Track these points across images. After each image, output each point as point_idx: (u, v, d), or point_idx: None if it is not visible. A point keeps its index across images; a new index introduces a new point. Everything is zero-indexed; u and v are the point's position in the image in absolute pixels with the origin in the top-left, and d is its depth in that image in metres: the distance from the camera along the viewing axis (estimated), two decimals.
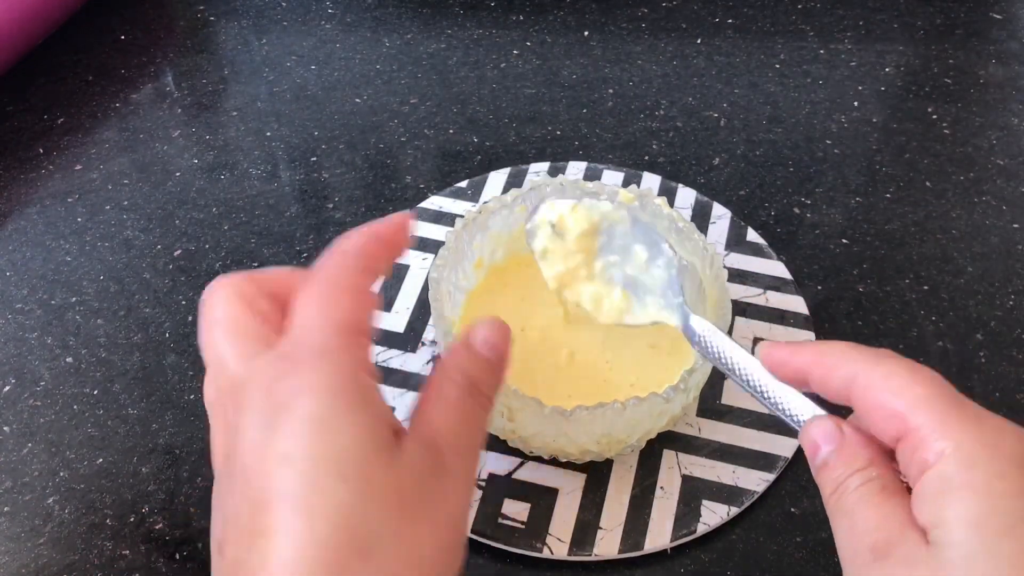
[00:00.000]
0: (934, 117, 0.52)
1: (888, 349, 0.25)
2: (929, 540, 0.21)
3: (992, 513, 0.21)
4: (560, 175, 0.46)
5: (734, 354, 0.29)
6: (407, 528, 0.22)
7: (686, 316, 0.32)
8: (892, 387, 0.24)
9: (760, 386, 0.28)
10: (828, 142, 0.50)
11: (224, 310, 0.26)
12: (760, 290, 0.42)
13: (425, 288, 0.42)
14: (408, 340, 0.41)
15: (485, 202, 0.39)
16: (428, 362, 0.40)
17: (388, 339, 0.41)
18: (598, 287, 0.36)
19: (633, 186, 0.39)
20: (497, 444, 0.36)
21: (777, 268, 0.43)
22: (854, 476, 0.24)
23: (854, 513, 0.23)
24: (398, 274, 0.43)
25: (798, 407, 0.27)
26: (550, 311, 0.39)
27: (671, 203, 0.46)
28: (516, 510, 0.35)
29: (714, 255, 0.36)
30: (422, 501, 0.23)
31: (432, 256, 0.43)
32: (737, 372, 0.29)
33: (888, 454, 0.24)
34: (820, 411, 0.26)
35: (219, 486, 0.24)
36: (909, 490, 0.23)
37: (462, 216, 0.46)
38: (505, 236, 0.40)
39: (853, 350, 0.25)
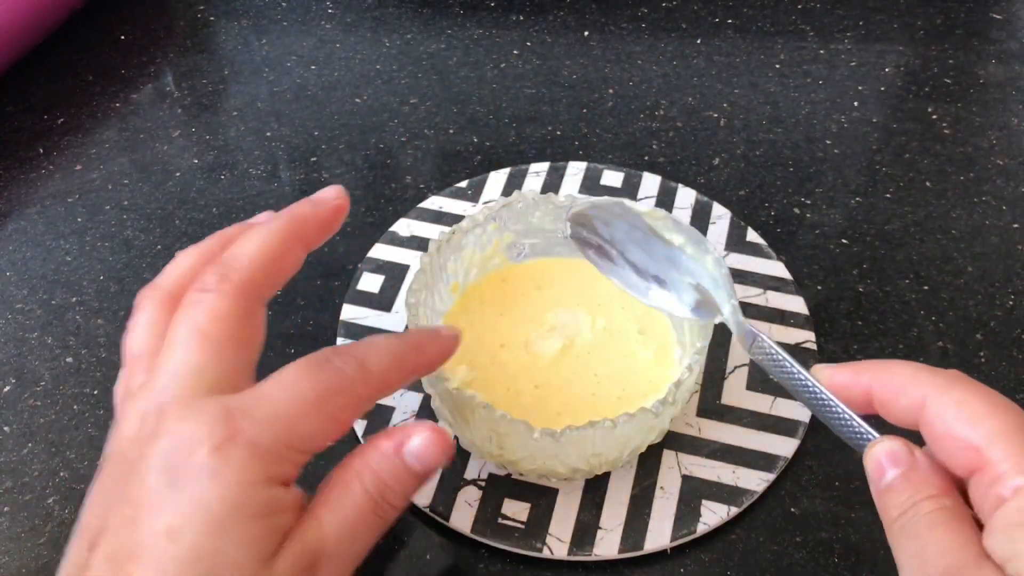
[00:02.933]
0: (934, 117, 0.52)
1: (957, 371, 0.24)
2: (1007, 573, 0.21)
3: None
4: (519, 190, 0.46)
5: (796, 365, 0.29)
6: None
7: (739, 322, 0.32)
8: (966, 416, 0.23)
9: (825, 400, 0.27)
10: (828, 142, 0.50)
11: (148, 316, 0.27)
12: (760, 290, 0.42)
13: None
14: None
15: (470, 213, 0.39)
16: None
17: None
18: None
19: (606, 197, 0.39)
20: None
21: (777, 268, 0.43)
22: (925, 501, 0.23)
23: (924, 536, 0.23)
24: (398, 274, 0.43)
25: (865, 425, 0.26)
26: (529, 326, 0.39)
27: (671, 203, 0.46)
28: (516, 510, 0.35)
29: (718, 260, 0.36)
30: None
31: None
32: (797, 380, 0.28)
33: (958, 485, 0.24)
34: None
35: (106, 479, 0.25)
36: (980, 526, 0.23)
37: (463, 216, 0.46)
38: (479, 256, 0.40)
39: (921, 372, 0.24)
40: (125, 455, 0.24)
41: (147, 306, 0.28)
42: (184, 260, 0.29)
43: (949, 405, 0.23)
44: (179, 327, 0.26)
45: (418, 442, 0.26)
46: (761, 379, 0.38)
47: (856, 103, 0.53)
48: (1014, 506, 0.21)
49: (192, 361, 0.25)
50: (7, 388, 0.41)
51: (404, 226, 0.45)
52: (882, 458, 0.24)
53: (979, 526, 0.22)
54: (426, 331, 0.30)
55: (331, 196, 0.30)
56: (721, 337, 0.40)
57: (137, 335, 0.28)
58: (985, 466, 0.22)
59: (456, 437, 0.35)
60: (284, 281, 0.29)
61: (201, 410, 0.24)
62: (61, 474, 0.37)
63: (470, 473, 0.36)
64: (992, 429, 0.22)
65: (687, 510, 0.35)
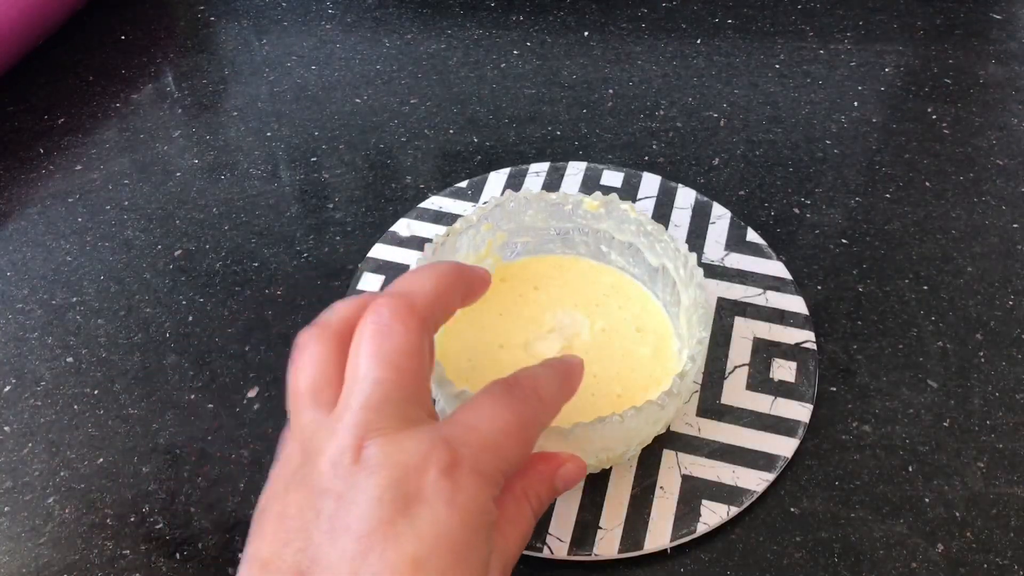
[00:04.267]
0: (934, 117, 0.52)
1: None
2: None
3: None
4: (511, 190, 0.46)
5: None
6: None
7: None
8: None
9: None
10: (828, 142, 0.50)
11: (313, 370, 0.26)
12: (760, 290, 0.42)
13: None
14: None
15: (463, 215, 0.39)
16: None
17: None
18: None
19: (597, 193, 0.39)
20: None
21: (777, 268, 0.43)
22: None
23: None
24: (398, 274, 0.43)
25: None
26: (528, 327, 0.39)
27: (671, 203, 0.46)
28: None
29: (687, 255, 0.36)
30: None
31: None
32: None
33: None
34: None
35: (295, 515, 0.23)
36: None
37: (461, 216, 0.46)
38: (473, 257, 0.40)
39: None
40: (326, 489, 0.23)
41: (313, 344, 0.27)
42: (343, 304, 0.28)
43: None
44: (365, 359, 0.25)
45: (569, 469, 0.29)
46: (761, 379, 0.38)
47: (856, 103, 0.53)
48: None
49: (387, 393, 0.25)
50: (7, 388, 0.41)
51: (404, 226, 0.45)
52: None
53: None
54: (563, 360, 0.31)
55: (482, 270, 0.32)
56: (721, 337, 0.40)
57: (306, 372, 0.26)
58: None
59: None
60: (445, 320, 0.29)
61: (414, 438, 0.24)
62: (61, 474, 0.37)
63: None
64: None
65: (687, 510, 0.35)
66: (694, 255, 0.36)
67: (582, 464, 0.30)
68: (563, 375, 0.29)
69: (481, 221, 0.39)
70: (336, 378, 0.26)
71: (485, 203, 0.39)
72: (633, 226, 0.38)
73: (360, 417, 0.24)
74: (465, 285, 0.30)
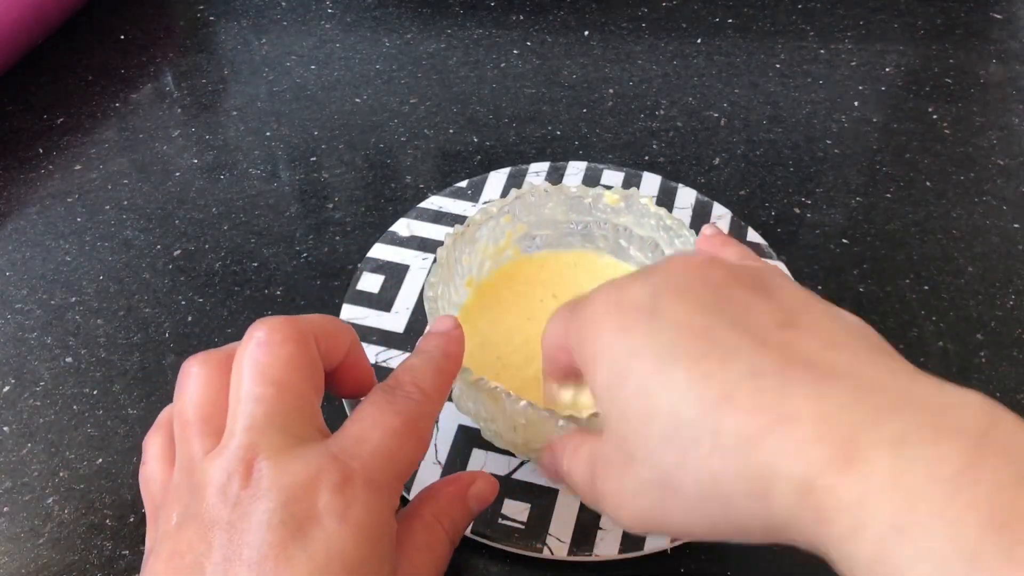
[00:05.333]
0: (934, 117, 0.52)
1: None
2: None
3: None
4: (523, 180, 0.46)
5: None
6: None
7: None
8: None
9: None
10: (828, 142, 0.50)
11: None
12: None
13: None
14: (408, 340, 0.41)
15: (483, 205, 0.39)
16: None
17: (387, 339, 0.40)
18: None
19: (618, 187, 0.39)
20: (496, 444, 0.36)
21: (778, 268, 0.43)
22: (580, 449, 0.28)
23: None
24: (398, 274, 0.43)
25: None
26: (546, 319, 0.39)
27: (671, 203, 0.46)
28: (516, 510, 0.35)
29: None
30: None
31: (432, 256, 0.43)
32: None
33: None
34: None
35: (187, 550, 0.23)
36: None
37: (463, 216, 0.46)
38: (492, 248, 0.40)
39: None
40: (215, 520, 0.22)
41: (197, 367, 0.26)
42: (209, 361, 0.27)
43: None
44: (247, 378, 0.25)
45: (480, 487, 0.29)
46: None
47: (856, 103, 0.53)
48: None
49: (271, 411, 0.24)
50: (6, 388, 0.41)
51: (404, 226, 0.45)
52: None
53: None
54: (435, 336, 0.30)
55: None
56: None
57: (192, 399, 0.25)
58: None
59: (479, 428, 0.36)
60: (333, 350, 0.28)
61: (302, 457, 0.23)
62: (60, 474, 0.37)
63: None
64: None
65: None
66: None
67: (493, 482, 0.30)
68: (439, 358, 0.28)
69: (501, 213, 0.39)
70: (222, 403, 0.25)
71: (506, 197, 0.40)
72: (653, 220, 0.38)
73: (245, 439, 0.23)
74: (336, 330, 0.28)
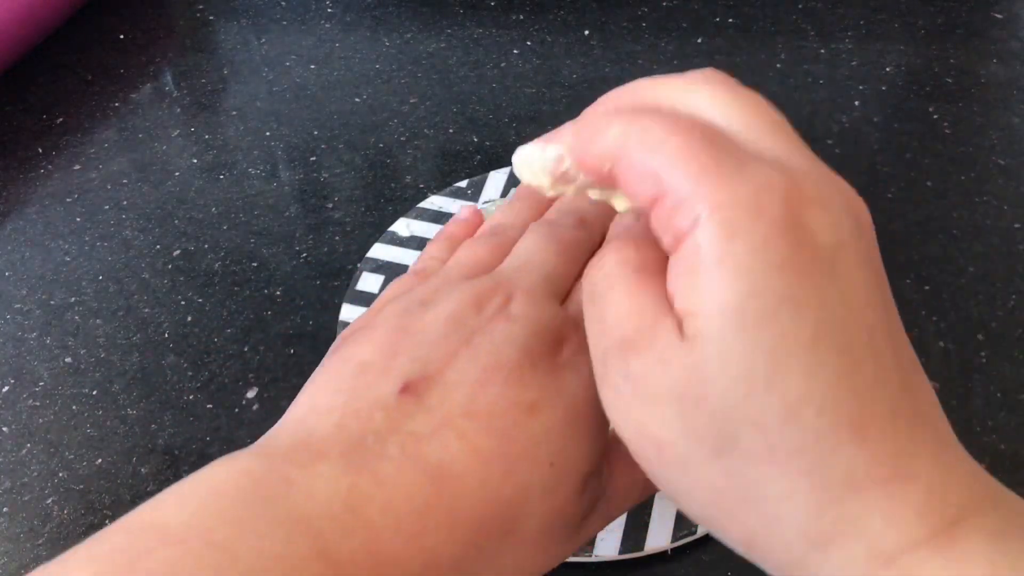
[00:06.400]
0: (935, 117, 0.52)
1: (662, 82, 0.21)
2: (683, 332, 0.18)
3: (751, 295, 0.17)
4: None
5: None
6: None
7: None
8: (648, 143, 0.19)
9: None
10: (829, 142, 0.50)
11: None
12: None
13: None
14: None
15: (483, 205, 0.39)
16: None
17: None
18: None
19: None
20: None
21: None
22: (607, 256, 0.20)
23: (604, 300, 0.20)
24: (397, 274, 0.43)
25: None
26: None
27: None
28: None
29: None
30: None
31: None
32: None
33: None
34: None
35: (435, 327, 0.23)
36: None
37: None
38: None
39: (617, 111, 0.21)
40: (462, 321, 0.23)
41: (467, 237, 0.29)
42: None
43: (634, 138, 0.19)
44: (537, 237, 0.26)
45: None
46: None
47: (857, 103, 0.53)
48: (691, 244, 0.17)
49: (548, 266, 0.25)
50: (6, 388, 0.40)
51: (404, 226, 0.45)
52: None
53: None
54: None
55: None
56: None
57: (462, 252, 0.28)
58: (663, 194, 0.18)
59: None
60: None
61: (554, 309, 0.24)
62: (60, 475, 0.37)
63: None
64: (672, 149, 0.18)
65: None
66: None
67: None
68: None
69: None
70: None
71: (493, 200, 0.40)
72: None
73: (516, 277, 0.24)
74: None
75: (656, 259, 0.20)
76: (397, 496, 0.20)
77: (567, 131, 0.22)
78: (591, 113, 0.22)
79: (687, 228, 0.18)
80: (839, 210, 0.19)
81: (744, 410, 0.17)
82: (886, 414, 0.17)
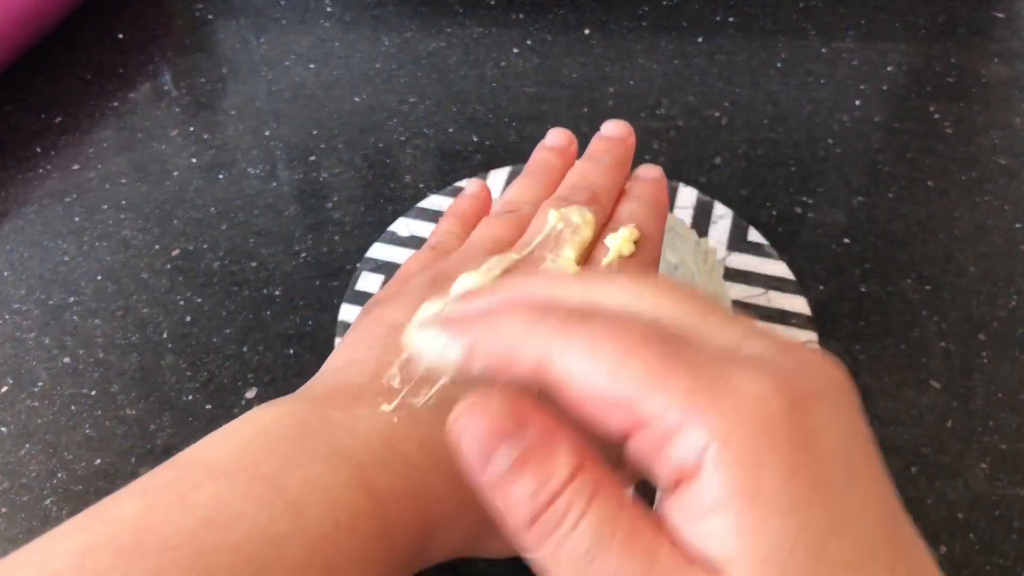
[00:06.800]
0: (936, 116, 0.52)
1: (598, 281, 0.18)
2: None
3: (801, 529, 0.15)
4: None
5: None
6: None
7: None
8: (603, 361, 0.16)
9: None
10: (830, 141, 0.50)
11: None
12: (762, 290, 0.42)
13: None
14: None
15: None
16: None
17: None
18: None
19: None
20: None
21: (779, 268, 0.43)
22: (566, 494, 0.16)
23: (592, 564, 0.16)
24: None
25: None
26: None
27: (672, 203, 0.46)
28: None
29: (707, 251, 0.36)
30: None
31: None
32: None
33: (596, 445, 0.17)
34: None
35: None
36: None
37: None
38: None
39: (534, 318, 0.17)
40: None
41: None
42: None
43: (578, 354, 0.16)
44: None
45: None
46: None
47: (858, 102, 0.52)
48: (709, 482, 0.15)
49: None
50: (4, 388, 0.40)
51: (403, 226, 0.45)
52: (478, 431, 0.16)
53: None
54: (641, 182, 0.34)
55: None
56: None
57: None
58: (643, 423, 0.16)
59: None
60: None
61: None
62: (59, 475, 0.37)
63: None
64: (640, 365, 0.16)
65: None
66: (715, 250, 0.36)
67: None
68: (651, 201, 0.33)
69: None
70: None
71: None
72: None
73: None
74: None
75: (617, 486, 0.16)
76: (433, 435, 0.21)
77: (471, 325, 0.18)
78: (498, 309, 0.18)
79: (692, 463, 0.15)
80: (831, 392, 0.17)
81: None
82: None
